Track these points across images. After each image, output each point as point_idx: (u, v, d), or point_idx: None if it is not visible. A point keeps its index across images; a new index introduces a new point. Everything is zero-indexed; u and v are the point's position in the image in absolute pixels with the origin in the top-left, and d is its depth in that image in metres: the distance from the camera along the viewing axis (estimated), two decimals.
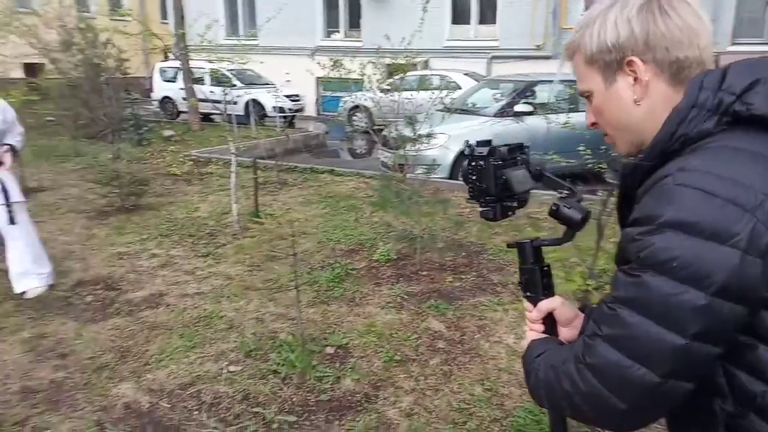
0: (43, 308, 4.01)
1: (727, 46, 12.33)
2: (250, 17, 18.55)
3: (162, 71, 16.20)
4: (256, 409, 2.90)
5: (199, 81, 13.45)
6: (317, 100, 17.87)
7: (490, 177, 1.07)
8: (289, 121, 14.92)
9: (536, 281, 1.10)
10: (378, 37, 7.36)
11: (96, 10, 17.62)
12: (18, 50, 10.77)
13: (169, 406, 2.94)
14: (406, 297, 4.18)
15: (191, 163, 8.49)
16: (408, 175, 5.73)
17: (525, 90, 8.53)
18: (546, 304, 1.09)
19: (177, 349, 3.46)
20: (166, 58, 17.57)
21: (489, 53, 15.47)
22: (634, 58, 0.92)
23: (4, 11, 10.38)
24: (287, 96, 15.57)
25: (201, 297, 4.20)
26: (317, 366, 3.25)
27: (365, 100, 7.51)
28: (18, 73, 12.99)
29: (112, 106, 9.66)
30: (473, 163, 1.09)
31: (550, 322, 1.09)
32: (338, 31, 17.97)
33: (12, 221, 4.08)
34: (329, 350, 3.46)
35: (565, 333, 1.08)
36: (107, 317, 3.90)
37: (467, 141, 1.13)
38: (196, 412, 2.89)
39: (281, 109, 14.26)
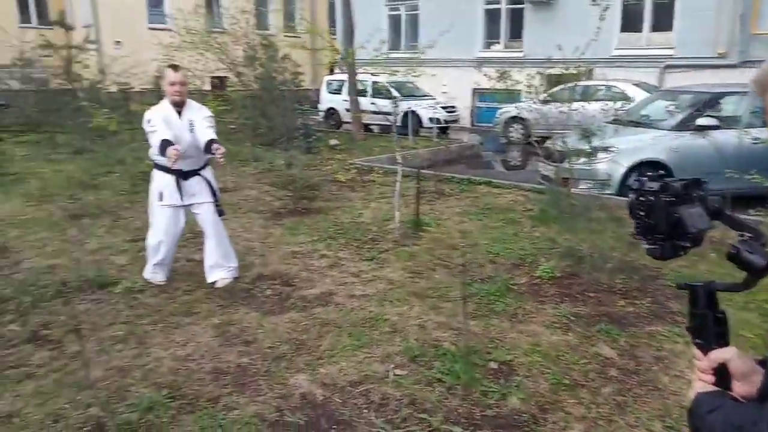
0: (229, 298, 4.44)
1: None
2: (412, 31, 19.11)
3: (328, 84, 17.27)
4: (422, 415, 2.94)
5: (362, 93, 14.12)
6: (472, 111, 17.89)
7: (661, 214, 0.99)
8: (445, 133, 15.11)
9: (708, 328, 0.99)
10: (540, 47, 7.19)
11: (273, 25, 19.31)
12: (208, 65, 12.12)
13: (340, 401, 3.09)
14: (572, 318, 3.99)
15: (355, 171, 8.92)
16: (572, 190, 5.50)
17: (710, 102, 7.76)
18: (718, 354, 0.98)
19: (346, 347, 3.63)
20: (332, 72, 18.70)
21: (662, 62, 14.42)
22: None
23: (202, 32, 11.78)
24: (444, 107, 15.80)
25: (366, 299, 4.37)
26: (481, 380, 3.22)
27: (528, 111, 7.34)
28: (206, 86, 14.60)
29: (287, 117, 10.51)
30: (642, 198, 1.01)
31: (722, 374, 0.98)
32: (498, 42, 17.83)
33: (221, 214, 4.62)
34: (493, 365, 3.41)
35: (739, 388, 0.97)
36: (284, 311, 4.22)
37: (636, 174, 1.05)
38: (366, 411, 3.00)
39: (437, 120, 14.51)
